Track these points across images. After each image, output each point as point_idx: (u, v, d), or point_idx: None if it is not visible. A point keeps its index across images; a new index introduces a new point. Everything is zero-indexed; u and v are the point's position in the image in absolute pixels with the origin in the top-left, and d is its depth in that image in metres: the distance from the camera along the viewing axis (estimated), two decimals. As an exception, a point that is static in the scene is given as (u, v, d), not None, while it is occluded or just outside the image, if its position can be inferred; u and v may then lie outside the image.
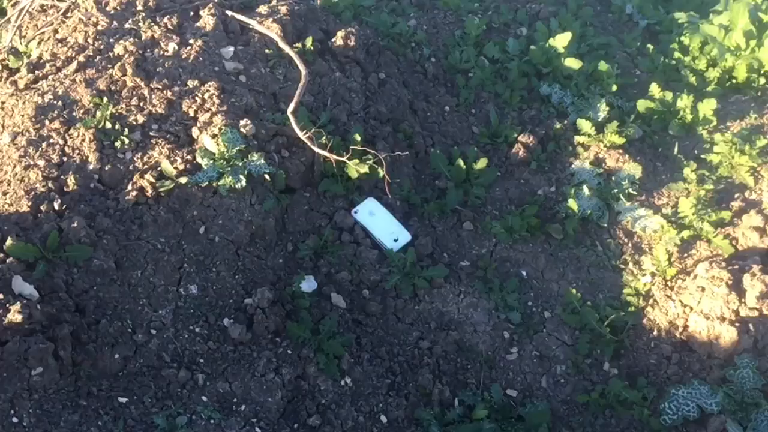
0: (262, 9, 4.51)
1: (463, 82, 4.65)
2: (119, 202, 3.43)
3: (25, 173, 3.46)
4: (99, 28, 4.18)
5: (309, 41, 4.27)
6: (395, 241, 3.75)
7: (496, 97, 4.62)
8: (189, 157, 3.58)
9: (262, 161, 3.59)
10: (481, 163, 4.04)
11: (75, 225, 3.24)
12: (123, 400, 2.99)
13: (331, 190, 3.87)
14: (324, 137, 3.74)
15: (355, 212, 3.82)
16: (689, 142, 4.28)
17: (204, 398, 3.07)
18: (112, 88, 3.82)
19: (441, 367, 3.40)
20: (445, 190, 4.03)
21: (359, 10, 4.96)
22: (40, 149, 3.57)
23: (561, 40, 4.61)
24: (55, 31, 4.26)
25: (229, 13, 4.36)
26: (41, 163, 3.50)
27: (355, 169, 3.78)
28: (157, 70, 3.90)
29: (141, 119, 3.70)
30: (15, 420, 2.76)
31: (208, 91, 3.83)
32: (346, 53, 4.41)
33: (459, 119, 4.52)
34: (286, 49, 4.11)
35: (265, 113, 3.93)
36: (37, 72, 4.01)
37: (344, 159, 3.69)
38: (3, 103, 3.89)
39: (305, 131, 3.72)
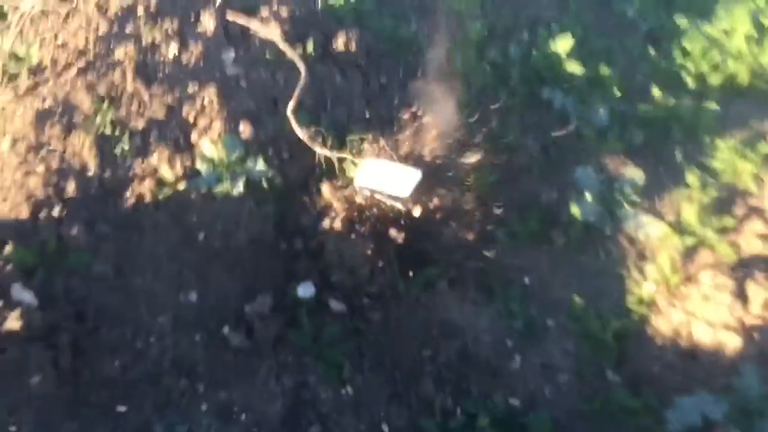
0: (263, 13, 4.49)
1: (464, 87, 4.63)
2: (119, 208, 3.41)
3: (25, 179, 3.44)
4: (100, 32, 4.16)
5: (310, 45, 4.26)
6: (408, 185, 3.49)
7: (498, 102, 4.61)
8: (188, 162, 3.56)
9: (262, 166, 3.57)
10: (482, 168, 4.02)
11: (74, 232, 3.22)
12: (122, 408, 2.97)
13: (332, 195, 3.84)
14: (324, 139, 3.71)
15: (358, 182, 3.58)
16: (692, 148, 4.26)
17: (204, 407, 3.05)
18: (113, 93, 3.81)
19: (443, 376, 3.38)
20: (446, 194, 4.01)
21: (360, 14, 4.94)
22: (39, 155, 3.55)
23: (562, 45, 4.59)
24: (56, 36, 4.24)
25: (230, 17, 4.34)
26: (41, 169, 3.48)
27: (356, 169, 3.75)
28: (158, 74, 3.89)
29: (141, 125, 3.68)
30: (14, 428, 2.75)
31: (208, 95, 3.81)
32: (346, 57, 4.39)
33: (460, 123, 4.51)
34: (286, 49, 4.09)
35: (265, 118, 3.91)
36: (37, 77, 3.99)
37: (345, 155, 3.64)
38: (3, 108, 3.87)
39: (305, 132, 3.70)
